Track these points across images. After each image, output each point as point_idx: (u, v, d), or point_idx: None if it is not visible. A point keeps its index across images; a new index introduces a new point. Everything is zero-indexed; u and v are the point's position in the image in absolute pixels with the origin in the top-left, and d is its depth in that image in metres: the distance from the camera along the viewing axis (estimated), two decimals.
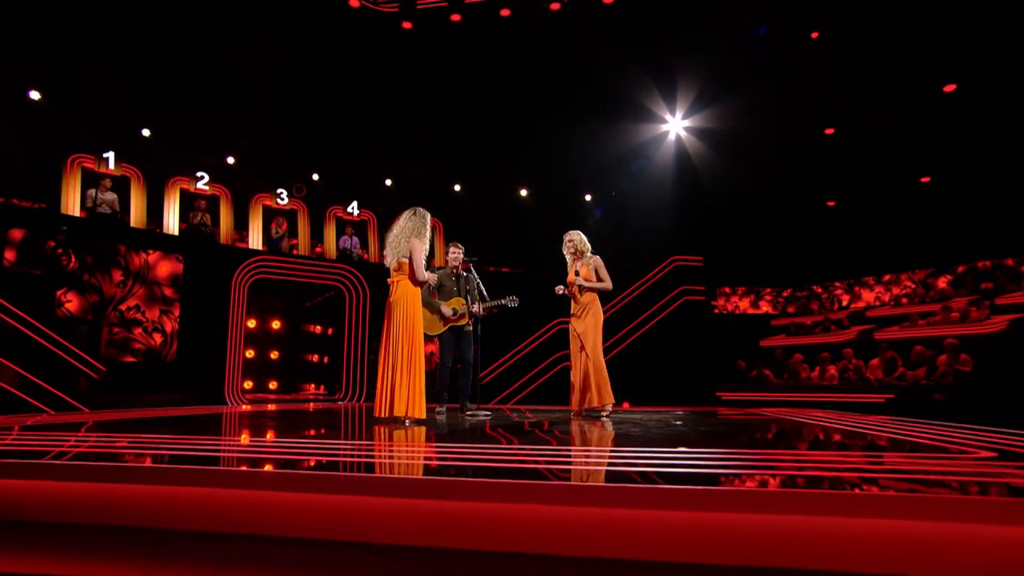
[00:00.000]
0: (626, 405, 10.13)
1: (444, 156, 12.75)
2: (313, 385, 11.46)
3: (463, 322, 6.56)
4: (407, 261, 5.22)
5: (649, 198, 12.48)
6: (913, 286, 12.60)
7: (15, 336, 7.49)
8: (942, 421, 5.03)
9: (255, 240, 11.04)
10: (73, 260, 8.59)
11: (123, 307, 8.97)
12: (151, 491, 2.42)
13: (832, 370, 11.16)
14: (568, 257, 6.47)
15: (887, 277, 12.98)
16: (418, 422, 5.12)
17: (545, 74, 11.38)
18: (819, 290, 13.84)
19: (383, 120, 12.15)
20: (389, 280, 5.33)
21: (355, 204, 12.11)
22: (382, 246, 12.08)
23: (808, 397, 10.16)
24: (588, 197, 13.50)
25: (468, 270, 6.77)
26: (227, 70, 10.66)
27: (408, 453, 3.40)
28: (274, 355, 10.66)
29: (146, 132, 10.24)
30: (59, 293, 8.46)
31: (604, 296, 6.39)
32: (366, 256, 12.00)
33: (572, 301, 6.37)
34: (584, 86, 11.60)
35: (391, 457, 3.26)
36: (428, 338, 6.22)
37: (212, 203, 10.76)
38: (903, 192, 12.22)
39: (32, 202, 9.38)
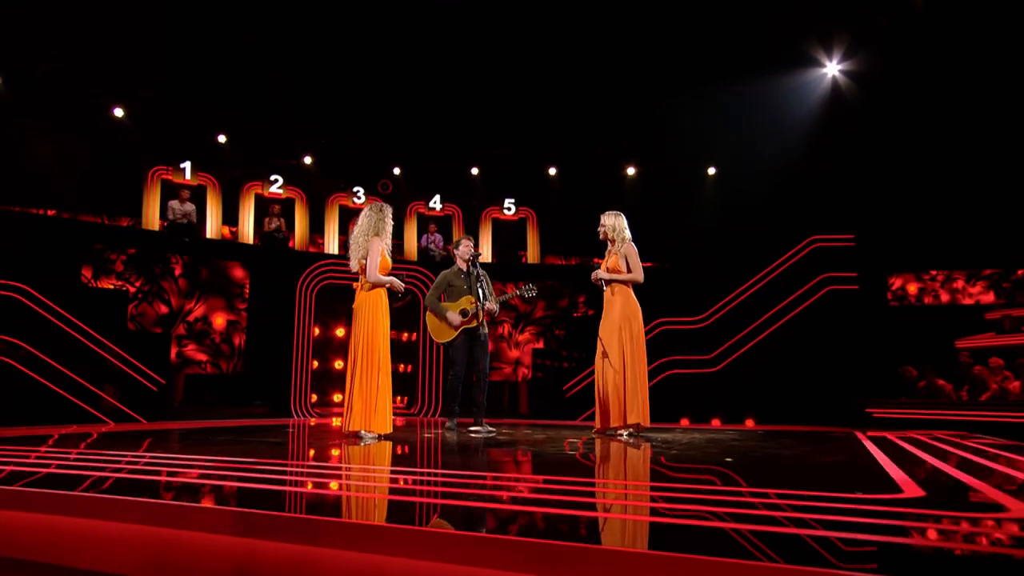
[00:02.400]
0: (715, 423, 9.30)
1: (537, 137, 12.45)
2: (397, 398, 11.76)
3: (474, 324, 6.31)
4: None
5: (778, 166, 11.27)
6: None
7: (81, 350, 8.42)
8: None
9: (331, 243, 11.53)
10: (144, 274, 9.51)
11: (191, 319, 9.78)
12: None
13: None
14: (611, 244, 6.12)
15: None
16: (382, 438, 5.22)
17: (654, 28, 10.77)
18: None
19: (467, 100, 12.12)
20: (355, 284, 5.47)
21: (437, 198, 12.22)
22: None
23: (999, 416, 8.54)
24: (712, 170, 12.51)
25: (474, 264, 6.51)
26: (299, 67, 11.22)
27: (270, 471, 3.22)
28: (339, 365, 11.06)
29: (222, 138, 11.08)
30: (131, 307, 9.41)
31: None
32: (448, 255, 12.05)
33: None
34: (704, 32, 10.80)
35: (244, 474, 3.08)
36: (445, 346, 6.38)
37: (288, 207, 11.39)
38: None
39: (113, 218, 10.55)
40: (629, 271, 5.91)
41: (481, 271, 6.46)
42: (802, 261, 10.69)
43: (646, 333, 10.01)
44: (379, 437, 5.29)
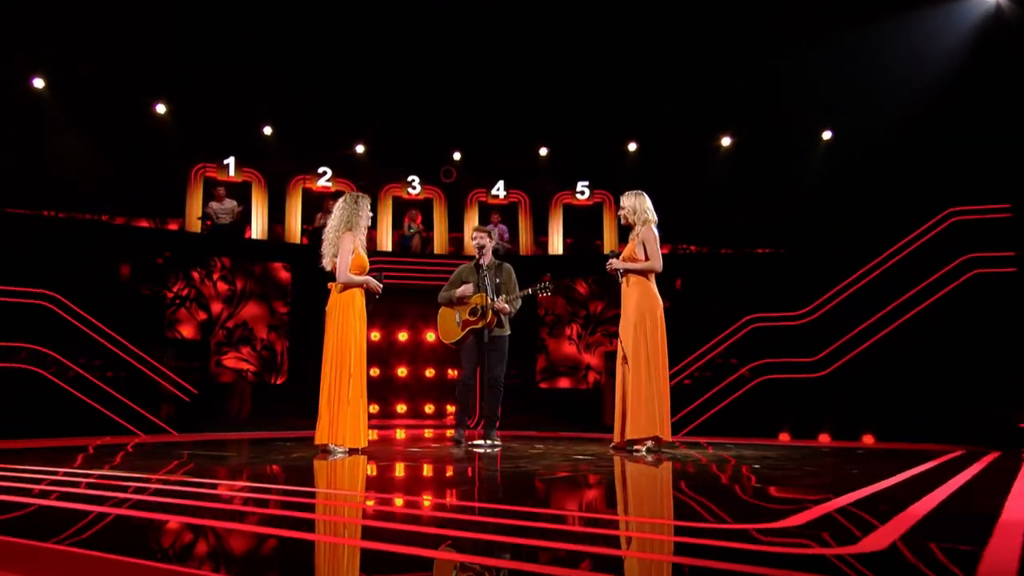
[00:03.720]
0: (823, 439, 8.11)
1: (612, 110, 11.50)
2: (433, 404, 11.16)
3: (481, 324, 5.93)
4: None
5: (908, 124, 9.71)
6: None
7: (111, 359, 8.43)
8: None
9: (384, 239, 11.11)
10: (182, 278, 9.44)
11: (230, 324, 9.63)
12: None
13: None
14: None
15: None
16: (357, 452, 5.19)
17: None
18: None
19: (533, 75, 11.36)
20: (330, 284, 5.41)
21: (501, 184, 11.53)
22: (536, 232, 11.48)
23: None
24: (828, 134, 11.04)
25: (499, 260, 6.27)
26: (347, 49, 10.87)
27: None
28: (402, 372, 10.63)
29: (267, 130, 10.90)
30: (168, 312, 9.37)
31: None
32: (513, 247, 11.34)
33: None
34: None
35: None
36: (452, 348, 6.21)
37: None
38: None
39: (161, 220, 10.61)
40: (647, 259, 5.47)
41: (506, 265, 6.24)
42: (937, 239, 9.18)
43: (731, 333, 9.06)
44: (349, 451, 5.18)
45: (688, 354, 9.20)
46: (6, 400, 7.65)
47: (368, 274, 5.44)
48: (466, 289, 6.01)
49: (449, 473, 4.50)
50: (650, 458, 5.09)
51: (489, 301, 5.87)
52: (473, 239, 6.24)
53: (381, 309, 10.03)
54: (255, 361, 9.71)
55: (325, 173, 11.00)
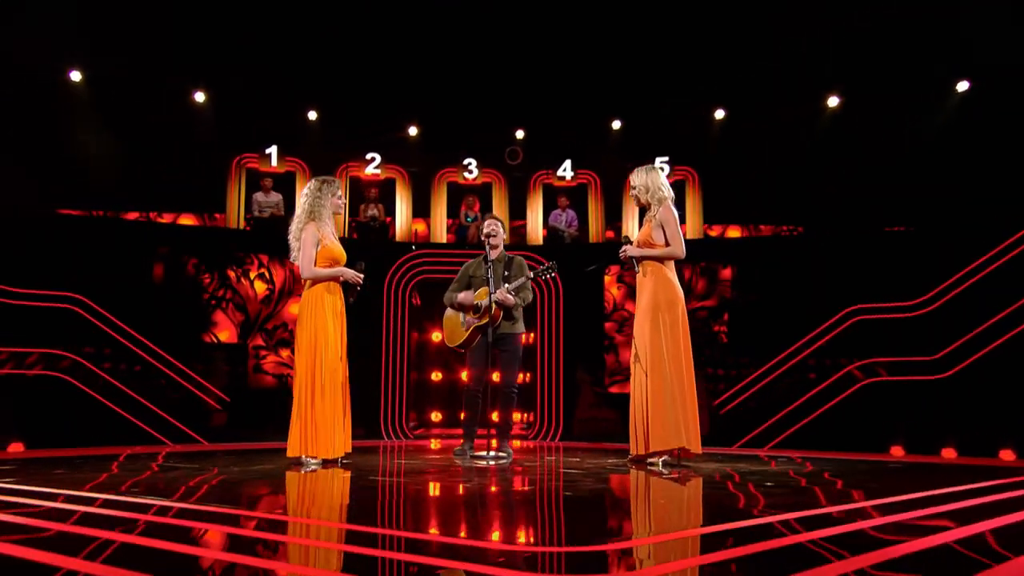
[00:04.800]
0: (947, 454, 7.04)
1: (695, 74, 10.48)
2: (521, 414, 10.44)
3: (484, 320, 5.60)
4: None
5: None
6: None
7: (141, 363, 8.26)
8: None
9: (439, 230, 10.54)
10: (217, 277, 9.17)
11: (269, 326, 9.30)
12: None
13: None
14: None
15: None
16: (329, 463, 5.05)
17: None
18: None
19: (601, 41, 10.53)
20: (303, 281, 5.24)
21: (568, 164, 10.73)
22: (608, 218, 10.62)
23: None
24: (962, 85, 9.60)
25: (508, 253, 6.01)
26: (395, 22, 10.36)
27: None
28: (463, 377, 10.05)
29: (312, 115, 10.52)
30: (204, 314, 9.12)
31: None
32: (582, 235, 10.53)
33: None
34: None
35: None
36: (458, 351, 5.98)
37: (387, 190, 10.60)
38: None
39: (198, 215, 10.43)
40: (667, 243, 5.07)
41: (517, 258, 5.94)
42: None
43: (835, 324, 7.94)
44: (324, 463, 5.02)
45: (776, 353, 8.16)
46: (36, 408, 7.62)
47: (353, 266, 5.22)
48: (466, 297, 5.76)
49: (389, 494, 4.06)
50: (666, 472, 4.72)
51: (490, 295, 5.53)
52: (485, 227, 5.93)
53: (426, 307, 9.51)
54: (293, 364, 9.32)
55: (374, 159, 10.53)
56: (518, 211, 10.66)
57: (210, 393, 8.51)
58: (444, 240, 10.45)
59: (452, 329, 5.88)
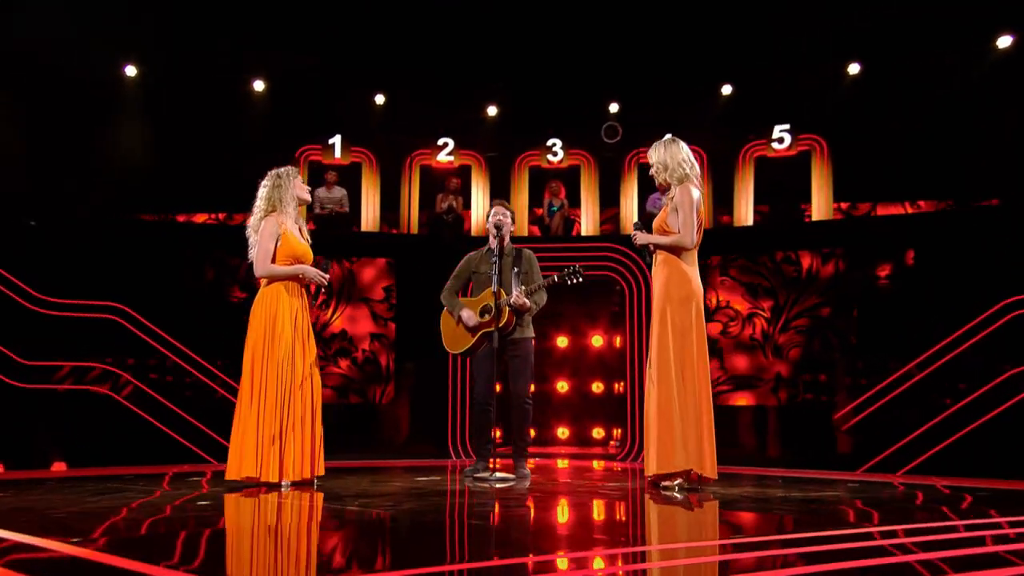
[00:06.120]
0: None
1: (827, 23, 9.12)
2: (602, 427, 9.44)
3: (496, 327, 5.19)
4: None
5: None
6: None
7: (186, 376, 8.00)
8: None
9: (522, 221, 9.72)
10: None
11: (326, 335, 8.81)
12: None
13: None
14: None
15: None
16: (272, 486, 4.49)
17: None
18: None
19: None
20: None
21: (668, 139, 9.59)
22: (717, 199, 9.44)
23: None
24: None
25: (517, 247, 5.51)
26: None
27: None
28: (562, 387, 9.20)
29: (379, 99, 9.95)
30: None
31: None
32: None
33: None
34: None
35: None
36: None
37: (462, 179, 9.91)
38: None
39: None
40: (681, 228, 4.58)
41: (526, 252, 5.48)
42: None
43: (991, 319, 6.49)
44: (265, 486, 4.50)
45: (916, 355, 6.82)
46: (78, 424, 7.45)
47: (315, 263, 4.85)
48: (469, 318, 5.35)
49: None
50: (680, 497, 4.24)
51: (505, 297, 5.16)
52: (491, 217, 5.46)
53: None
54: (357, 376, 8.81)
55: (446, 145, 9.84)
56: (609, 197, 9.66)
57: None
58: (526, 233, 9.62)
59: (452, 333, 5.50)
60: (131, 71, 9.20)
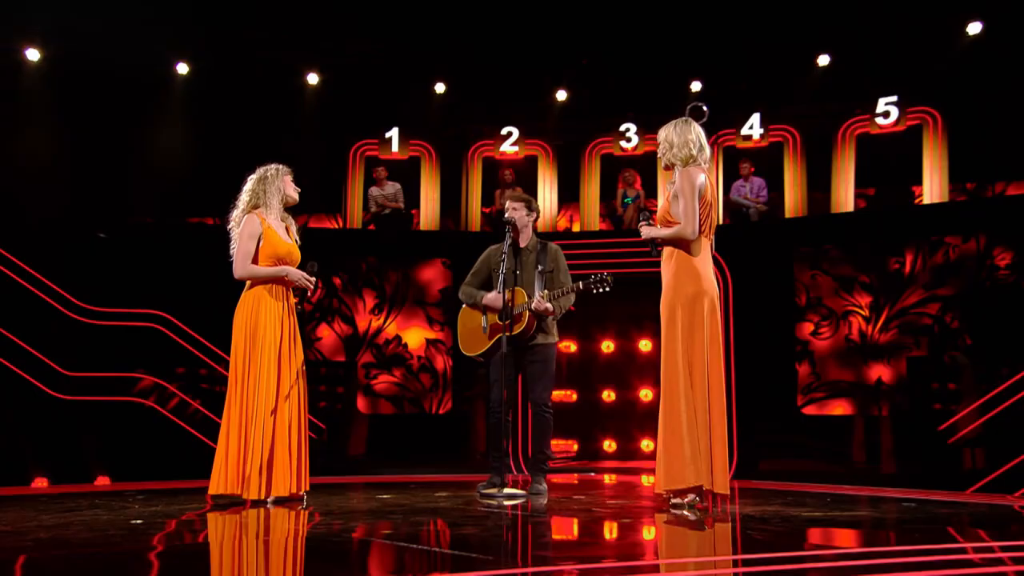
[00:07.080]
0: None
1: None
2: (652, 439, 8.74)
3: (519, 329, 4.89)
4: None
5: None
6: None
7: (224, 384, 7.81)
8: None
9: (590, 214, 9.16)
10: (320, 285, 8.55)
11: (380, 340, 8.48)
12: None
13: None
14: None
15: None
16: (257, 503, 4.27)
17: None
18: None
19: None
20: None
21: (755, 120, 8.84)
22: (812, 183, 8.62)
23: None
24: None
25: (541, 241, 5.21)
26: None
27: None
28: (609, 396, 8.57)
29: (439, 87, 9.57)
30: (307, 329, 8.51)
31: None
32: (770, 207, 8.62)
33: None
34: None
35: None
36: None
37: (527, 169, 9.42)
38: None
39: (314, 215, 9.86)
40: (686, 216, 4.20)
41: (552, 247, 5.14)
42: None
43: None
44: (274, 501, 4.32)
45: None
46: (121, 437, 7.33)
47: (303, 266, 4.57)
48: (495, 299, 4.90)
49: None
50: (692, 517, 3.97)
51: (526, 300, 4.87)
52: (508, 212, 5.10)
53: (580, 312, 8.12)
54: (412, 385, 8.45)
55: (510, 134, 9.36)
56: None
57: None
58: (597, 228, 9.04)
59: (469, 333, 5.20)
60: (182, 68, 9.08)
